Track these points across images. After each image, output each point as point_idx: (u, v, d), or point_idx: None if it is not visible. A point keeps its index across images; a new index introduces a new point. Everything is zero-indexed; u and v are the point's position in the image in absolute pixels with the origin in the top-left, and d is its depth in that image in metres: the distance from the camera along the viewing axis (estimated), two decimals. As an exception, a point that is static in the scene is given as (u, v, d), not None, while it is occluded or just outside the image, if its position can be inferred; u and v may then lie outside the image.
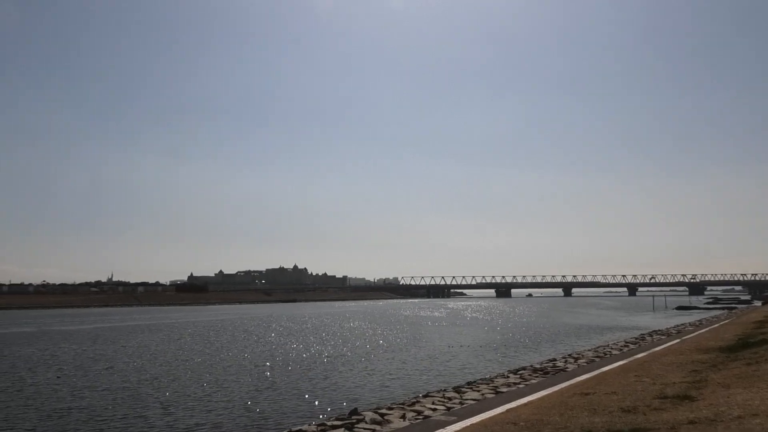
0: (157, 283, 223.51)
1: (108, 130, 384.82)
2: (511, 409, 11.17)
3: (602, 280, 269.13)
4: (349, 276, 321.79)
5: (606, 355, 23.95)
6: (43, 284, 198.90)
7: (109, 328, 56.40)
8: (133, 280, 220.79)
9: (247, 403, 17.36)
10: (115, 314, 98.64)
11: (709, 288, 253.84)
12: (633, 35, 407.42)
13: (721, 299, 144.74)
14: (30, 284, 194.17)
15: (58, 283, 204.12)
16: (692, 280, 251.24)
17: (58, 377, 23.29)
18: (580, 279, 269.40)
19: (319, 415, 15.35)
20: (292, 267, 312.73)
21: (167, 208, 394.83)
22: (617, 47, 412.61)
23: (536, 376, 18.47)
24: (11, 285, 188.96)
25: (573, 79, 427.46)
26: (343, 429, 11.88)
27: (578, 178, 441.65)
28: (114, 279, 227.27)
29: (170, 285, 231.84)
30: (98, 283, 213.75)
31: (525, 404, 11.56)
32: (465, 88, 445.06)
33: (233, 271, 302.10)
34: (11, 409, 16.91)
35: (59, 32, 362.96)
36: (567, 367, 20.29)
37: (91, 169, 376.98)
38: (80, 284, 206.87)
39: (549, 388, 13.91)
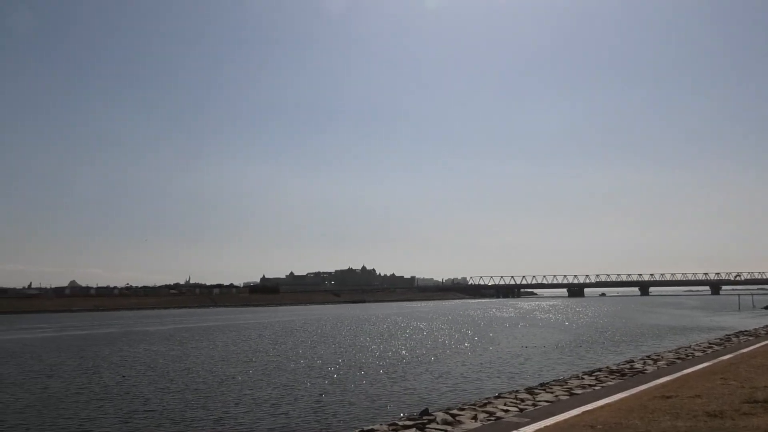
0: (231, 285, 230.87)
1: (180, 136, 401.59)
2: (587, 411, 10.85)
3: (682, 278, 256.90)
4: (417, 276, 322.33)
5: (688, 356, 22.87)
6: (127, 287, 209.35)
7: (185, 329, 58.70)
8: (208, 282, 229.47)
9: (317, 403, 17.62)
10: (192, 315, 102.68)
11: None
12: (701, 20, 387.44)
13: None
14: (115, 287, 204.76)
15: (140, 285, 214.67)
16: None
17: (123, 376, 24.35)
18: (657, 277, 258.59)
19: (390, 415, 15.41)
20: (360, 268, 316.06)
21: (239, 211, 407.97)
22: (687, 33, 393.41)
23: (613, 378, 17.86)
24: (98, 288, 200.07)
25: (640, 70, 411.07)
26: (414, 429, 11.87)
27: (655, 172, 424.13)
28: (191, 281, 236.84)
29: (243, 286, 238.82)
30: (176, 286, 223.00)
31: (602, 407, 11.20)
32: (531, 84, 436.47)
33: (303, 273, 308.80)
34: (66, 410, 17.59)
35: (130, 42, 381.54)
36: (646, 369, 19.52)
37: (167, 176, 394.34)
38: (160, 286, 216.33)
39: (627, 391, 13.43)
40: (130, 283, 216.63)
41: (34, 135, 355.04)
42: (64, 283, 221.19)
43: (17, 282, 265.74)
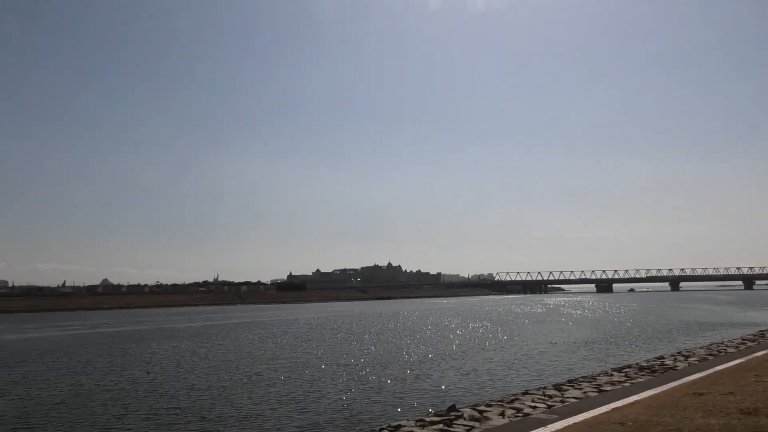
0: (258, 283, 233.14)
1: (201, 135, 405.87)
2: (616, 408, 10.73)
3: (714, 273, 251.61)
4: (443, 273, 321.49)
5: (720, 353, 22.45)
6: (157, 284, 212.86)
7: (214, 326, 59.50)
8: (236, 280, 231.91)
9: (343, 398, 17.74)
10: (220, 312, 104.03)
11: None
12: (741, 9, 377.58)
13: None
14: (146, 285, 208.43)
15: (169, 283, 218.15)
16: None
17: (147, 372, 24.81)
18: (688, 272, 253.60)
19: (417, 411, 15.42)
20: (386, 265, 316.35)
21: (267, 209, 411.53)
22: (729, 14, 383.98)
23: (642, 375, 17.62)
24: (129, 286, 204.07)
25: (675, 61, 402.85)
26: (441, 425, 11.87)
27: (685, 165, 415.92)
28: (219, 279, 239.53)
29: (271, 284, 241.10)
30: (205, 283, 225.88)
31: (631, 403, 11.07)
32: (563, 74, 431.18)
33: (329, 270, 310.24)
34: (94, 407, 17.98)
35: (149, 41, 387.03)
36: (677, 366, 19.22)
37: (195, 176, 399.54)
38: (189, 284, 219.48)
39: (657, 388, 13.24)
40: (160, 281, 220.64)
41: (70, 138, 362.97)
42: (97, 281, 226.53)
43: (52, 280, 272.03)
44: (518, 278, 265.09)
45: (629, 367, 20.64)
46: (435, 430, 11.51)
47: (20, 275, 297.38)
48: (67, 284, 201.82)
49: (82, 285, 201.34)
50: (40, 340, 45.65)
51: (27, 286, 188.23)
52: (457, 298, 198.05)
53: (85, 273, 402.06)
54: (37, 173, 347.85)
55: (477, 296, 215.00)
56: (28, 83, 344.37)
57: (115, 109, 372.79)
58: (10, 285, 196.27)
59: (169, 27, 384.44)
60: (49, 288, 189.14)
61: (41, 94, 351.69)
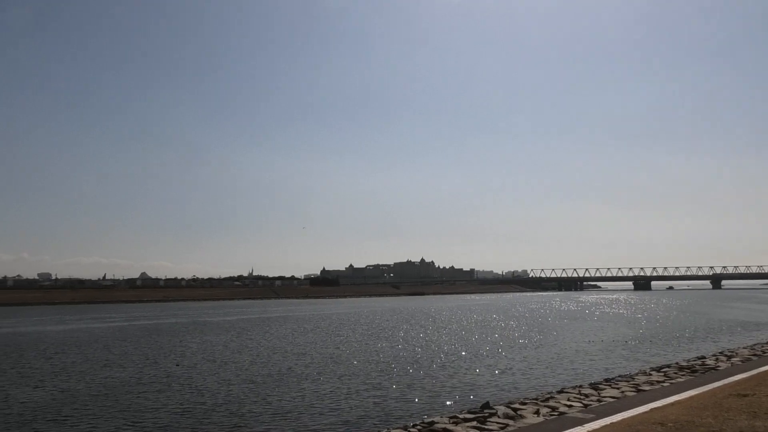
0: (292, 277, 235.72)
1: (240, 132, 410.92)
2: (656, 408, 10.46)
3: (758, 271, 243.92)
4: (476, 269, 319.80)
5: (765, 353, 21.77)
6: (193, 279, 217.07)
7: (248, 320, 60.33)
8: (271, 275, 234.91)
9: (376, 395, 17.73)
10: (255, 306, 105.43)
11: None
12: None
13: None
14: (182, 279, 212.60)
15: (205, 277, 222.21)
16: None
17: (177, 365, 25.23)
18: (731, 270, 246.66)
19: (450, 408, 15.32)
20: (419, 261, 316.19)
21: (301, 205, 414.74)
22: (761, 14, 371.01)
23: (682, 374, 17.19)
24: (167, 279, 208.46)
25: (724, 50, 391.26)
26: (475, 422, 11.76)
27: (728, 159, 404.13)
28: (254, 273, 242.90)
29: (304, 278, 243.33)
30: (240, 278, 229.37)
31: (672, 404, 10.78)
32: (599, 68, 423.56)
33: (363, 265, 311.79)
34: (123, 400, 18.37)
35: (175, 40, 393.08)
36: (718, 366, 18.70)
37: (232, 172, 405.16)
38: (225, 278, 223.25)
39: (698, 388, 12.88)
40: (196, 276, 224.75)
41: (108, 135, 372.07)
42: (135, 274, 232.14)
43: (93, 273, 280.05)
44: (553, 275, 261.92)
45: (668, 366, 20.17)
46: (468, 427, 11.40)
47: (63, 268, 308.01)
48: (107, 277, 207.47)
49: (121, 278, 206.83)
50: (79, 331, 46.93)
51: (70, 278, 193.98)
52: (491, 294, 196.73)
53: (123, 266, 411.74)
54: (80, 171, 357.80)
55: (511, 293, 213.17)
56: (82, 79, 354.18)
57: (152, 107, 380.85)
58: (54, 278, 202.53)
59: (192, 26, 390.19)
60: (90, 281, 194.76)
61: (86, 91, 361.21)
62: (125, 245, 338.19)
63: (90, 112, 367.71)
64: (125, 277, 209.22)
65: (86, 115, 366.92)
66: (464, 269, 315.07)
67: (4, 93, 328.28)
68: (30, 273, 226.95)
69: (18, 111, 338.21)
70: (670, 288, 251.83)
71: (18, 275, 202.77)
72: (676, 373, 17.86)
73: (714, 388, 12.59)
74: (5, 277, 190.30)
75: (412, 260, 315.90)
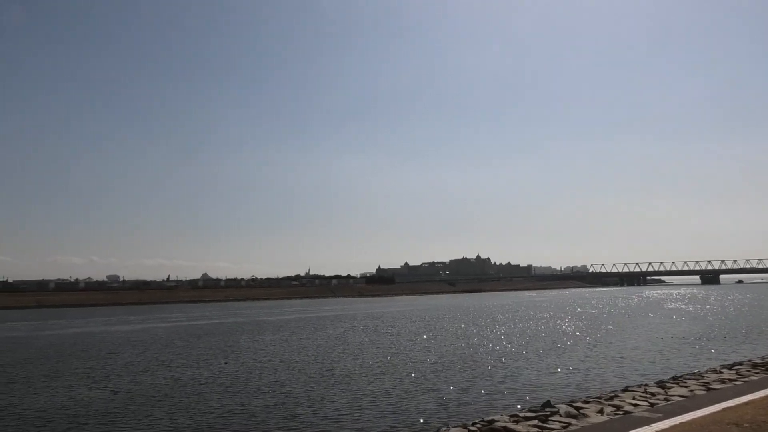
0: (348, 276, 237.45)
1: (292, 135, 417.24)
2: (728, 407, 9.97)
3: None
4: (533, 265, 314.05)
5: None
6: (252, 279, 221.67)
7: (305, 319, 61.14)
8: (327, 274, 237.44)
9: (436, 393, 17.64)
10: (312, 305, 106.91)
11: None
12: None
13: None
14: (242, 279, 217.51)
15: (264, 277, 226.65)
16: None
17: (225, 363, 25.67)
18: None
19: (511, 406, 15.08)
20: (475, 257, 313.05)
21: (356, 204, 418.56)
22: None
23: (756, 372, 16.37)
24: (227, 280, 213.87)
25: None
26: (536, 421, 11.53)
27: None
28: (311, 273, 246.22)
29: (360, 277, 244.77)
30: (297, 277, 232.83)
31: (746, 403, 10.26)
32: (654, 58, 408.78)
33: (418, 263, 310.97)
34: (186, 398, 18.77)
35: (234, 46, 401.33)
36: (796, 363, 17.69)
37: (289, 175, 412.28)
38: (282, 278, 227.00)
39: (775, 387, 12.20)
40: (255, 275, 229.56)
41: (166, 140, 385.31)
42: (197, 275, 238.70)
43: (158, 275, 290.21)
44: (614, 270, 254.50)
45: (741, 364, 19.25)
46: (529, 425, 11.18)
47: (129, 270, 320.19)
48: (170, 278, 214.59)
49: (184, 279, 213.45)
50: (141, 332, 48.62)
51: (136, 280, 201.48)
52: (550, 290, 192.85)
53: (185, 267, 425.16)
54: (142, 177, 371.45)
55: (570, 289, 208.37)
56: (157, 91, 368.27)
57: (211, 109, 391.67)
58: (122, 279, 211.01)
59: (258, 27, 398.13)
60: (155, 282, 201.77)
61: (125, 97, 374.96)
62: (187, 247, 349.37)
63: (155, 124, 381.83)
64: (187, 278, 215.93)
65: (153, 126, 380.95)
66: (521, 265, 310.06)
67: (80, 104, 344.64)
68: (99, 275, 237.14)
69: (81, 120, 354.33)
70: (740, 282, 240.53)
71: (88, 277, 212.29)
72: (749, 371, 17.02)
73: (792, 387, 11.91)
74: (77, 279, 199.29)
75: (468, 257, 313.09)
